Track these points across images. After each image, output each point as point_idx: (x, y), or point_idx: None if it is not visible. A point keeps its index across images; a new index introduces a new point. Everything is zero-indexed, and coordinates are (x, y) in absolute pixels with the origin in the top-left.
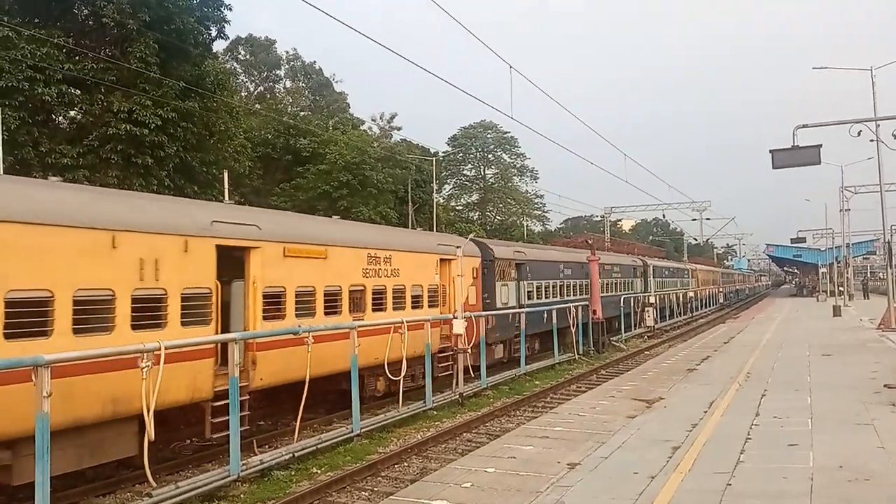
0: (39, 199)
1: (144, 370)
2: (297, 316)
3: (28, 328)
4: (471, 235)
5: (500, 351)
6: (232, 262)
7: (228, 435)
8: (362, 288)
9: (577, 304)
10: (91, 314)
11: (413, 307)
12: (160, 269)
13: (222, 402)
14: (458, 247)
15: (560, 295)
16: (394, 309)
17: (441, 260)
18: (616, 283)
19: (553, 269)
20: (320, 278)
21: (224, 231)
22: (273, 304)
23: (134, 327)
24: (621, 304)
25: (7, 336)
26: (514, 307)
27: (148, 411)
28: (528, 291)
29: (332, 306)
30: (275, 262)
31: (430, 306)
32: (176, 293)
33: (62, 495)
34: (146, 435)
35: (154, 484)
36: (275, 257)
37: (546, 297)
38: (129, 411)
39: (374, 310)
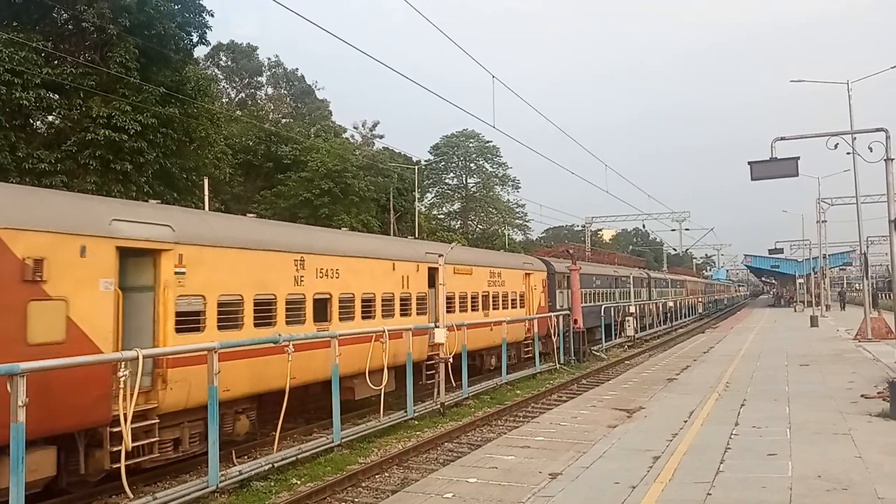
0: None
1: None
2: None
3: None
4: (453, 244)
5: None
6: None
7: (205, 448)
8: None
9: (607, 306)
10: None
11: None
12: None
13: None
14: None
15: (593, 300)
16: (362, 318)
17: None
18: (627, 293)
19: (588, 280)
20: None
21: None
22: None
23: None
24: (601, 314)
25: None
26: (566, 308)
27: (125, 421)
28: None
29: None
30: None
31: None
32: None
33: None
34: (123, 445)
35: (131, 495)
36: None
37: (584, 302)
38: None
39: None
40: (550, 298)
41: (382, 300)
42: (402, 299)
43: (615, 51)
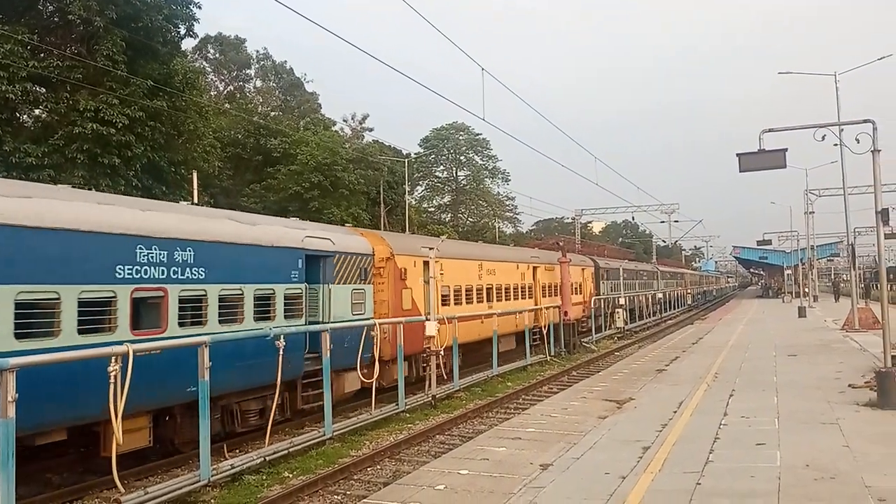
0: None
1: None
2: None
3: None
4: (443, 237)
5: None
6: None
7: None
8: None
9: (632, 295)
10: None
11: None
12: None
13: None
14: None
15: (624, 290)
16: (506, 300)
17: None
18: (643, 284)
19: (616, 275)
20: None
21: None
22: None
23: None
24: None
25: None
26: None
27: (116, 416)
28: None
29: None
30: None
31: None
32: None
33: (28, 502)
34: (114, 440)
35: (122, 489)
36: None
37: (615, 291)
38: None
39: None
40: (597, 289)
41: (515, 288)
42: (522, 287)
43: (610, 48)
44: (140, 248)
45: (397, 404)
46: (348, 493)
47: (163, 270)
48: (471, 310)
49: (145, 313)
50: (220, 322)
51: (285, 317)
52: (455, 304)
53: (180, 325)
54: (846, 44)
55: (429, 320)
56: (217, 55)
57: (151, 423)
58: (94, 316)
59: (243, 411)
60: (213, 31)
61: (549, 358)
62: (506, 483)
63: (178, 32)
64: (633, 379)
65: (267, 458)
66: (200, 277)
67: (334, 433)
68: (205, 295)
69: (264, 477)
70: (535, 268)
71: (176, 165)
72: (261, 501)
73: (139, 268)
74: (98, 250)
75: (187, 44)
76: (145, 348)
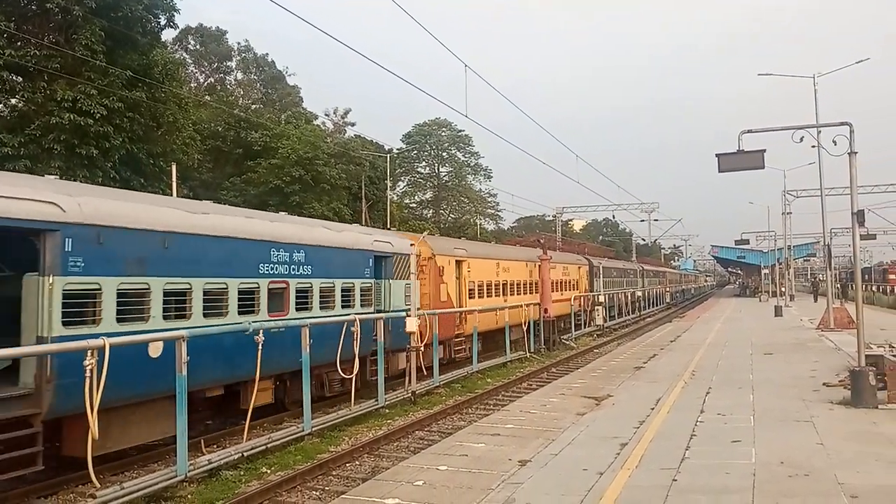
0: None
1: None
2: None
3: None
4: (424, 233)
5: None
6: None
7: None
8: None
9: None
10: None
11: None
12: None
13: None
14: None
15: (613, 287)
16: (516, 294)
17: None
18: (629, 282)
19: (608, 273)
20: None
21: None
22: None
23: None
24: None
25: None
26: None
27: (91, 410)
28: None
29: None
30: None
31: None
32: None
33: (2, 496)
34: (90, 434)
35: (98, 485)
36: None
37: (607, 288)
38: None
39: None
40: (590, 285)
41: (525, 283)
42: (529, 283)
43: (607, 46)
44: (273, 251)
45: (377, 400)
46: (327, 488)
47: (286, 268)
48: (492, 302)
49: (275, 300)
50: (321, 308)
51: (361, 305)
52: (479, 297)
53: (297, 309)
54: (845, 39)
55: (409, 316)
56: (198, 47)
57: (274, 385)
58: (247, 301)
59: (331, 380)
60: (193, 23)
61: (528, 354)
62: (484, 479)
63: (159, 23)
64: (612, 376)
65: (245, 454)
66: (308, 273)
67: (313, 429)
68: (310, 287)
69: (242, 472)
70: (539, 266)
71: (155, 157)
72: (238, 497)
73: (272, 266)
74: (249, 252)
75: (167, 35)
76: (276, 326)
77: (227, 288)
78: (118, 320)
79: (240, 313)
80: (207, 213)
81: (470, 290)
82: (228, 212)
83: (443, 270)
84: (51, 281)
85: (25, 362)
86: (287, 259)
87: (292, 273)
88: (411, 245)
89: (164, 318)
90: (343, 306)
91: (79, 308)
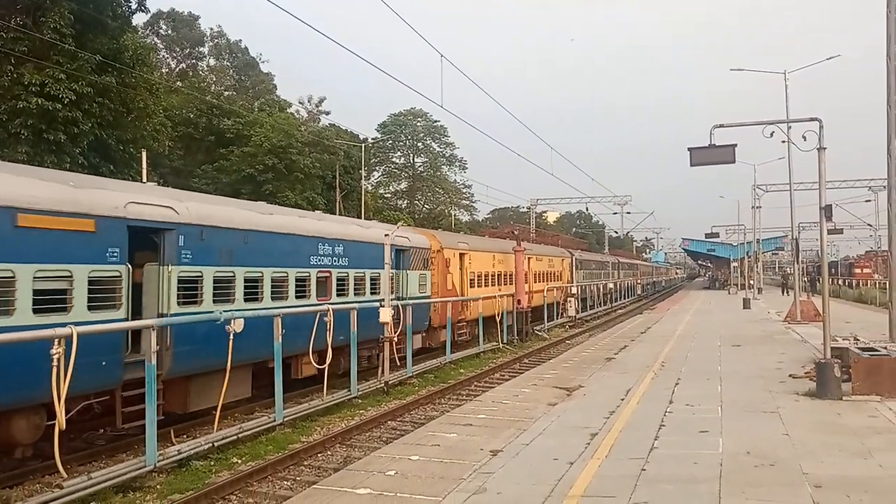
0: None
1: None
2: (214, 302)
3: None
4: (399, 224)
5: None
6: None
7: (144, 424)
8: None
9: (597, 284)
10: None
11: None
12: None
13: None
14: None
15: (592, 279)
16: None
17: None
18: (606, 274)
19: (588, 265)
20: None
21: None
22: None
23: None
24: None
25: None
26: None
27: (59, 399)
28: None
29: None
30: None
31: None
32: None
33: None
34: (56, 424)
35: (65, 475)
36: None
37: (587, 279)
38: None
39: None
40: (572, 278)
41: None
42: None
43: (601, 41)
44: (320, 245)
45: (349, 390)
46: (298, 479)
47: (329, 259)
48: (489, 291)
49: (320, 287)
50: (355, 294)
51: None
52: (478, 286)
53: (338, 295)
54: (843, 37)
55: (383, 306)
56: (169, 32)
57: (317, 358)
58: (301, 288)
59: (359, 357)
60: (165, 7)
61: (501, 345)
62: (456, 469)
63: (129, 7)
64: (583, 367)
65: (215, 444)
66: (345, 264)
67: (285, 419)
68: (347, 276)
69: (212, 463)
70: (528, 258)
71: (124, 143)
72: (208, 487)
73: (319, 258)
74: (303, 246)
75: (138, 19)
76: (324, 310)
77: (287, 276)
78: (214, 301)
79: (296, 297)
80: (273, 214)
81: (471, 280)
82: (287, 212)
83: (449, 262)
84: (169, 269)
85: (147, 333)
86: (330, 252)
87: (334, 264)
88: (424, 239)
89: (245, 300)
90: (373, 293)
91: (188, 291)
